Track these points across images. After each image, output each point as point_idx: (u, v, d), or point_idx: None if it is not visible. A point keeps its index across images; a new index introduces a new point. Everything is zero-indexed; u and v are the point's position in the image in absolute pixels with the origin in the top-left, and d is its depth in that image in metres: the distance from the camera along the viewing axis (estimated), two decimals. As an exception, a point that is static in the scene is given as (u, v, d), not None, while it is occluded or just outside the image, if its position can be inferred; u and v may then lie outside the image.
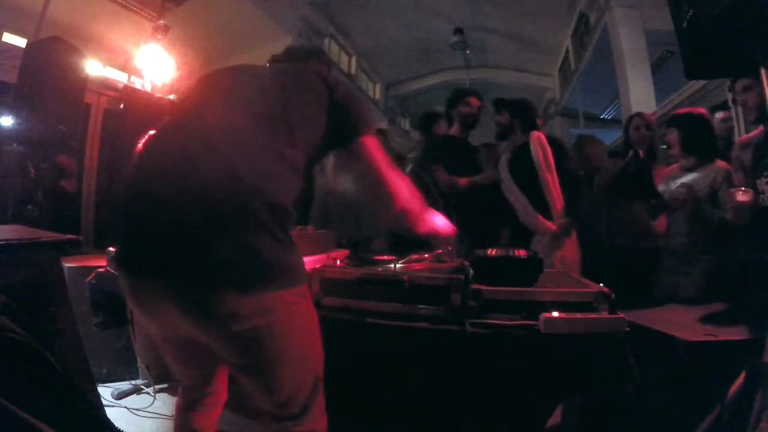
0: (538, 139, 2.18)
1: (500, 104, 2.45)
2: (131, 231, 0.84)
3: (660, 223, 2.17)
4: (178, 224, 0.76)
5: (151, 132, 0.95)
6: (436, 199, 2.30)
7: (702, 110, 2.08)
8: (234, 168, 0.78)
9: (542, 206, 2.15)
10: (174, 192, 0.78)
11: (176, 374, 1.04)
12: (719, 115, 2.71)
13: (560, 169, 2.17)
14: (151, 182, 0.83)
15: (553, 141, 2.25)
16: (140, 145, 0.93)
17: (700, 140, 1.96)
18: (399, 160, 2.85)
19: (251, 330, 0.77)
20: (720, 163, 1.91)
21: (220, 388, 1.05)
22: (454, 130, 2.66)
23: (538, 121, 2.44)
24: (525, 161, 2.20)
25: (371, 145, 1.01)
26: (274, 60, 1.25)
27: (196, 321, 0.78)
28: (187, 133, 0.86)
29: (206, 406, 1.03)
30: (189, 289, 0.76)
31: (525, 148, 2.23)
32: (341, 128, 0.99)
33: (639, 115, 2.40)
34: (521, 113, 2.35)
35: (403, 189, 1.04)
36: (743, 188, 1.55)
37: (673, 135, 2.01)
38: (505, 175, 2.29)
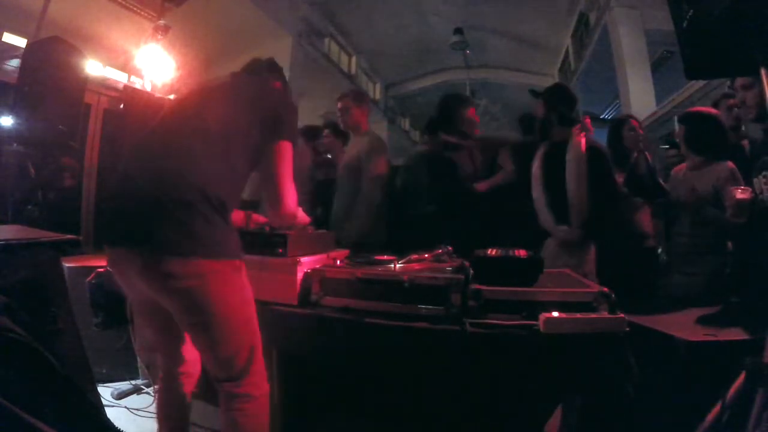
0: (577, 144, 1.99)
1: (535, 94, 2.26)
2: (111, 214, 1.12)
3: (645, 223, 2.17)
4: (141, 209, 1.03)
5: (138, 139, 1.24)
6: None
7: (713, 110, 2.02)
8: (182, 169, 1.06)
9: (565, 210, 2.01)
10: (141, 187, 1.06)
11: (155, 344, 1.26)
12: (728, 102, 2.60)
13: (598, 180, 1.98)
14: (128, 179, 1.12)
15: (594, 149, 2.02)
16: (128, 150, 1.23)
17: (706, 140, 1.91)
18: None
19: (186, 288, 1.02)
20: (727, 164, 1.86)
21: (190, 359, 1.25)
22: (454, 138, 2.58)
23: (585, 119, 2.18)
24: (558, 160, 2.02)
25: (284, 150, 1.21)
26: (232, 75, 1.41)
27: (149, 280, 1.04)
28: (157, 145, 1.16)
29: (181, 375, 1.24)
30: (143, 255, 1.02)
31: (562, 145, 2.04)
32: (268, 130, 1.20)
33: (630, 117, 2.41)
34: (556, 104, 2.12)
35: (292, 196, 1.24)
36: (742, 187, 1.54)
37: (680, 132, 1.98)
38: (535, 171, 2.14)
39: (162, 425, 1.25)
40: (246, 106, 1.21)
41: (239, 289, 1.11)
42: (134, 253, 1.03)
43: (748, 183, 1.67)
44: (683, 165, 2.07)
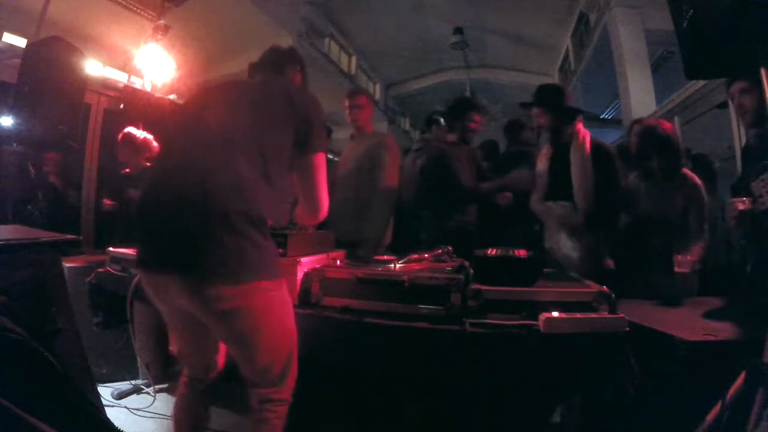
0: (582, 142, 2.02)
1: (527, 105, 2.25)
2: (147, 237, 1.10)
3: None
4: (183, 233, 1.01)
5: (160, 152, 1.26)
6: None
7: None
8: (223, 189, 1.03)
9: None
10: (180, 208, 1.02)
11: (183, 351, 1.25)
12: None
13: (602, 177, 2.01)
14: (161, 197, 1.08)
15: (598, 146, 2.05)
16: (151, 162, 1.19)
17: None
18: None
19: (234, 310, 1.03)
20: (691, 179, 1.95)
21: (220, 366, 1.27)
22: (454, 137, 2.60)
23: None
24: (565, 159, 2.04)
25: (320, 162, 1.25)
26: (252, 70, 1.40)
27: (193, 302, 1.04)
28: (189, 158, 1.10)
29: (208, 381, 1.26)
30: (187, 281, 1.01)
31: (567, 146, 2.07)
32: (301, 142, 1.20)
33: (638, 121, 2.44)
34: (557, 105, 2.10)
35: (326, 204, 1.29)
36: (743, 198, 1.54)
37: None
38: (541, 167, 2.18)
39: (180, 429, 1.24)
40: (280, 116, 1.18)
41: (283, 304, 1.14)
42: (179, 277, 1.02)
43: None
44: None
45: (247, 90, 1.24)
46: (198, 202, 1.01)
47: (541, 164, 2.16)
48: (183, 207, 1.02)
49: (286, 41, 6.66)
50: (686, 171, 2.00)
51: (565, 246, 2.03)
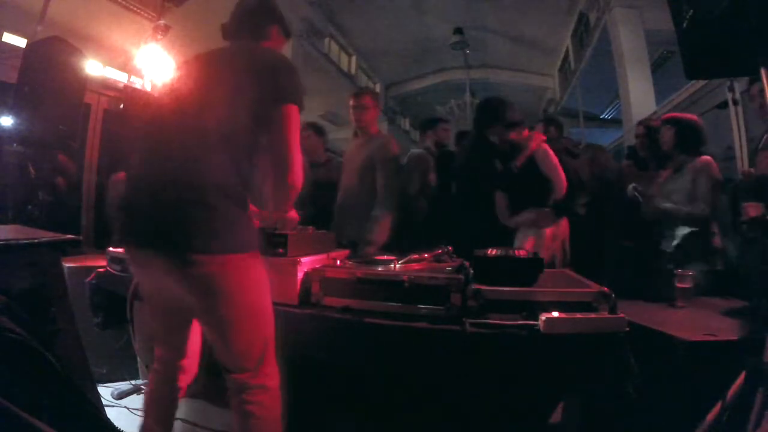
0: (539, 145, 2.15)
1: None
2: (131, 217, 1.13)
3: None
4: (160, 212, 1.05)
5: (143, 137, 1.22)
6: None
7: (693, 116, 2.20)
8: (193, 167, 1.06)
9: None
10: (156, 189, 1.07)
11: (161, 337, 1.26)
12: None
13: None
14: (141, 181, 1.13)
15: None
16: (136, 150, 1.19)
17: (695, 139, 2.08)
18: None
19: (210, 283, 1.04)
20: (703, 159, 2.00)
21: (192, 353, 1.27)
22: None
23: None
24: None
25: (289, 115, 1.14)
26: (224, 32, 1.34)
27: (174, 277, 1.06)
28: (162, 143, 1.14)
29: (180, 368, 1.25)
30: (168, 255, 1.04)
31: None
32: (266, 97, 1.13)
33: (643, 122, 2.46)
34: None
35: (299, 167, 1.16)
36: (755, 204, 1.55)
37: (670, 132, 2.10)
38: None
39: (150, 417, 1.24)
40: (241, 82, 1.14)
41: (258, 279, 1.13)
42: (159, 253, 1.05)
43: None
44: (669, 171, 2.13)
45: (212, 63, 1.22)
46: (171, 180, 1.05)
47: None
48: (158, 185, 1.06)
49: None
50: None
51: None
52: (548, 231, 2.09)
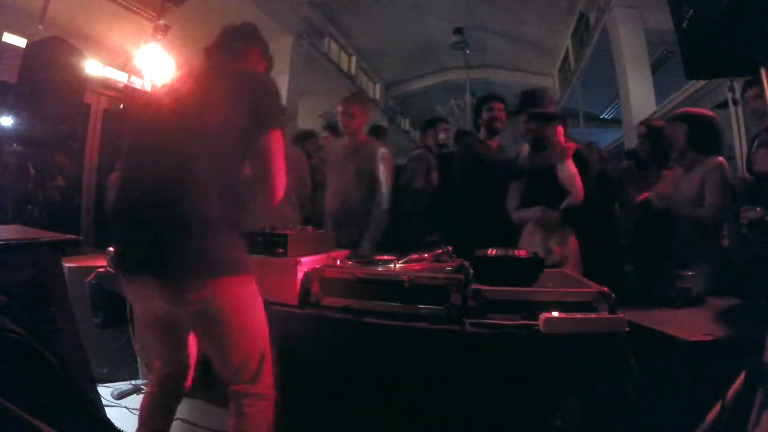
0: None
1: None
2: (125, 243, 1.15)
3: None
4: (155, 237, 1.06)
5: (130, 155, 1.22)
6: None
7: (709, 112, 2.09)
8: (185, 195, 1.06)
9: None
10: (143, 215, 1.09)
11: (159, 353, 1.27)
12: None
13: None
14: (130, 207, 1.13)
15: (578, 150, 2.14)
16: (121, 171, 1.21)
17: (708, 137, 1.97)
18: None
19: (207, 307, 1.07)
20: (716, 160, 1.92)
21: (192, 365, 1.29)
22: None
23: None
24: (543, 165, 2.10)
25: (275, 140, 1.19)
26: (207, 54, 1.36)
27: (169, 302, 1.09)
28: (152, 165, 1.13)
29: (180, 378, 1.27)
30: (161, 282, 1.07)
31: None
32: (252, 125, 1.16)
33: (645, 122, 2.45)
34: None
35: (281, 187, 1.22)
36: (755, 207, 1.54)
37: (681, 130, 2.01)
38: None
39: (146, 426, 1.26)
40: (229, 106, 1.15)
41: (253, 299, 1.16)
42: (154, 281, 1.07)
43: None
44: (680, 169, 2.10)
45: (194, 83, 1.22)
46: (161, 207, 1.06)
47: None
48: (149, 213, 1.08)
49: (286, 41, 6.67)
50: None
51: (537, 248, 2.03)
52: (557, 249, 2.01)
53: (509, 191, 2.20)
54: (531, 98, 2.19)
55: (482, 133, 2.55)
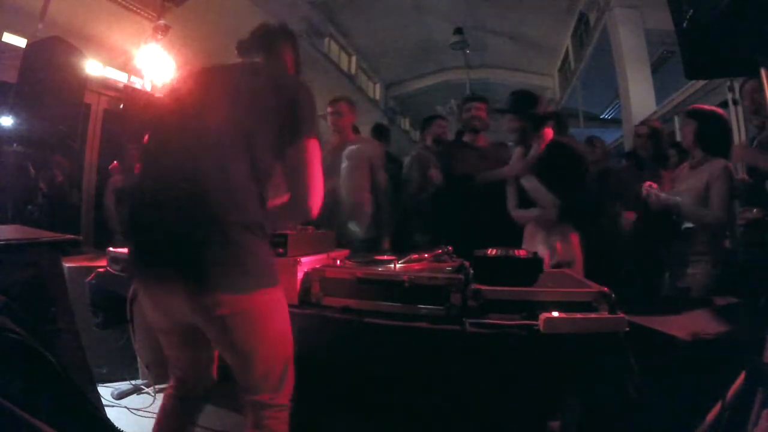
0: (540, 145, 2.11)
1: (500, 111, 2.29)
2: (142, 250, 1.07)
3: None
4: (177, 245, 0.99)
5: (146, 153, 1.16)
6: None
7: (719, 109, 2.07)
8: (213, 197, 1.00)
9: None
10: (170, 220, 1.00)
11: (178, 363, 1.22)
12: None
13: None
14: (152, 211, 1.05)
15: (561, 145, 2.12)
16: (138, 163, 1.13)
17: (716, 136, 1.96)
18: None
19: (235, 319, 1.00)
20: (723, 163, 1.90)
21: (209, 379, 1.24)
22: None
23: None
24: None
25: (310, 149, 1.13)
26: (240, 49, 1.30)
27: (192, 312, 1.01)
28: (174, 166, 1.06)
29: (192, 390, 1.22)
30: (188, 291, 0.99)
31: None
32: (288, 131, 1.10)
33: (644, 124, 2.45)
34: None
35: (319, 194, 1.15)
36: (752, 208, 1.55)
37: (690, 127, 1.99)
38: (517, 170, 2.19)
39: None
40: (266, 106, 1.10)
41: (281, 310, 1.11)
42: (179, 288, 0.99)
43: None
44: (685, 166, 2.09)
45: (230, 80, 1.16)
46: (192, 212, 0.99)
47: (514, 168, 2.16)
48: (177, 218, 1.00)
49: (286, 41, 6.67)
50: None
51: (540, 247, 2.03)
52: (558, 240, 2.02)
53: (507, 192, 2.19)
54: (516, 99, 2.21)
55: (466, 135, 2.58)
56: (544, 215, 2.01)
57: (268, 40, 1.30)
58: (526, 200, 2.11)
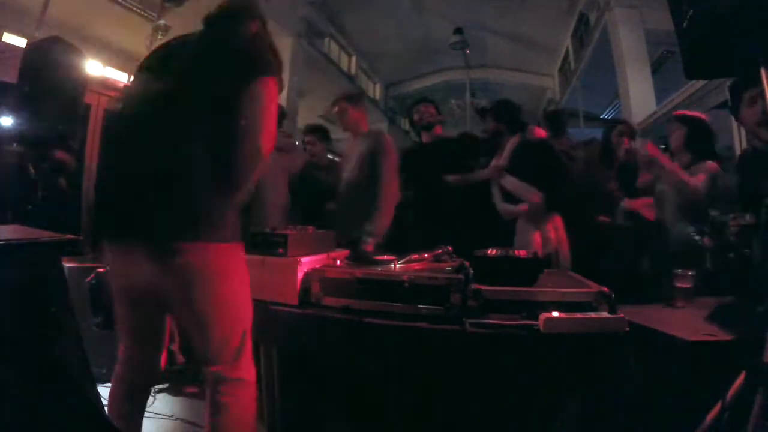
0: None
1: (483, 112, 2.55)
2: (108, 207, 1.12)
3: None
4: (140, 200, 1.04)
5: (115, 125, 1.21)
6: None
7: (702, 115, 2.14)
8: (174, 155, 1.03)
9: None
10: (132, 178, 1.06)
11: (132, 334, 1.21)
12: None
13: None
14: (118, 169, 1.11)
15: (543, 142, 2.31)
16: (106, 139, 1.19)
17: (704, 141, 2.01)
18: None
19: (189, 267, 1.03)
20: (709, 164, 1.94)
21: (153, 364, 1.23)
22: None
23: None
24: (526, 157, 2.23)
25: (263, 86, 1.10)
26: (204, 22, 1.29)
27: (154, 267, 1.04)
28: (137, 135, 1.11)
29: (154, 365, 1.22)
30: (150, 244, 1.03)
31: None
32: (244, 71, 1.09)
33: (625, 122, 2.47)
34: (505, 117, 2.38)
35: (270, 134, 1.11)
36: (745, 215, 1.56)
37: (680, 132, 2.03)
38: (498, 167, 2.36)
39: (118, 420, 1.16)
40: (214, 64, 1.11)
41: (239, 270, 1.12)
42: (140, 243, 1.04)
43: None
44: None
45: (186, 48, 1.20)
46: (150, 168, 1.03)
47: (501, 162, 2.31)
48: (136, 173, 1.05)
49: (286, 41, 6.67)
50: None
51: (534, 240, 2.14)
52: (550, 229, 2.10)
53: (492, 187, 2.35)
54: (498, 105, 2.48)
55: (423, 135, 2.75)
56: (531, 208, 2.09)
57: (228, 13, 1.29)
58: (511, 195, 2.24)
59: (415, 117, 2.72)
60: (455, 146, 2.64)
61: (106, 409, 1.18)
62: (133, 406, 1.21)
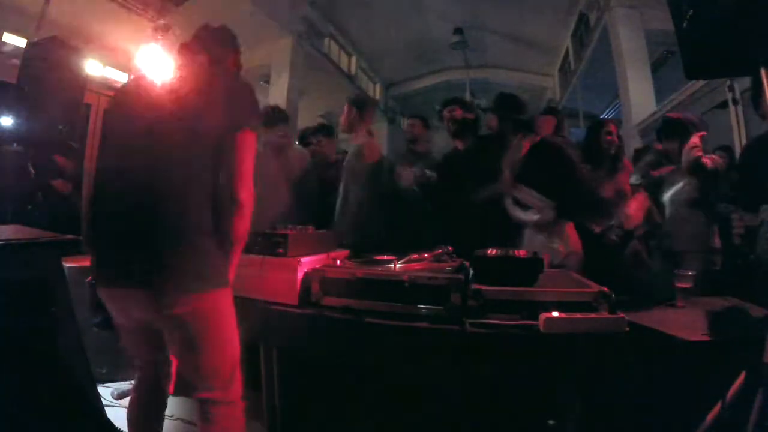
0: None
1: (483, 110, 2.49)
2: (104, 256, 1.15)
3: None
4: (137, 252, 1.07)
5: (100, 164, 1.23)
6: None
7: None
8: (169, 206, 1.07)
9: None
10: (129, 229, 1.08)
11: (139, 355, 1.28)
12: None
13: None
14: (112, 220, 1.13)
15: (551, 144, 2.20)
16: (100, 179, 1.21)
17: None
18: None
19: (185, 315, 1.07)
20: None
21: (167, 372, 1.28)
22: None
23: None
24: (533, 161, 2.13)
25: (243, 141, 1.16)
26: (182, 52, 1.35)
27: (149, 312, 1.09)
28: (130, 177, 1.12)
29: (157, 386, 1.27)
30: (146, 291, 1.07)
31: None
32: (227, 123, 1.14)
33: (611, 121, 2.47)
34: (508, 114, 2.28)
35: (247, 184, 1.16)
36: (747, 216, 1.57)
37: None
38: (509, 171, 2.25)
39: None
40: (207, 113, 1.13)
41: (230, 311, 1.18)
42: (138, 291, 1.08)
43: None
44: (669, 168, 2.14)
45: (178, 86, 1.20)
46: (149, 222, 1.07)
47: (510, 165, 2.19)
48: (135, 226, 1.08)
49: (286, 41, 6.67)
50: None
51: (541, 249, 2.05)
52: (561, 247, 2.02)
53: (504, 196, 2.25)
54: (500, 100, 2.39)
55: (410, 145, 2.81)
56: (541, 218, 2.02)
57: (208, 43, 1.35)
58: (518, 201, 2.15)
59: (405, 129, 2.80)
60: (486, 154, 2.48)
61: (126, 415, 1.24)
62: (149, 410, 1.27)
